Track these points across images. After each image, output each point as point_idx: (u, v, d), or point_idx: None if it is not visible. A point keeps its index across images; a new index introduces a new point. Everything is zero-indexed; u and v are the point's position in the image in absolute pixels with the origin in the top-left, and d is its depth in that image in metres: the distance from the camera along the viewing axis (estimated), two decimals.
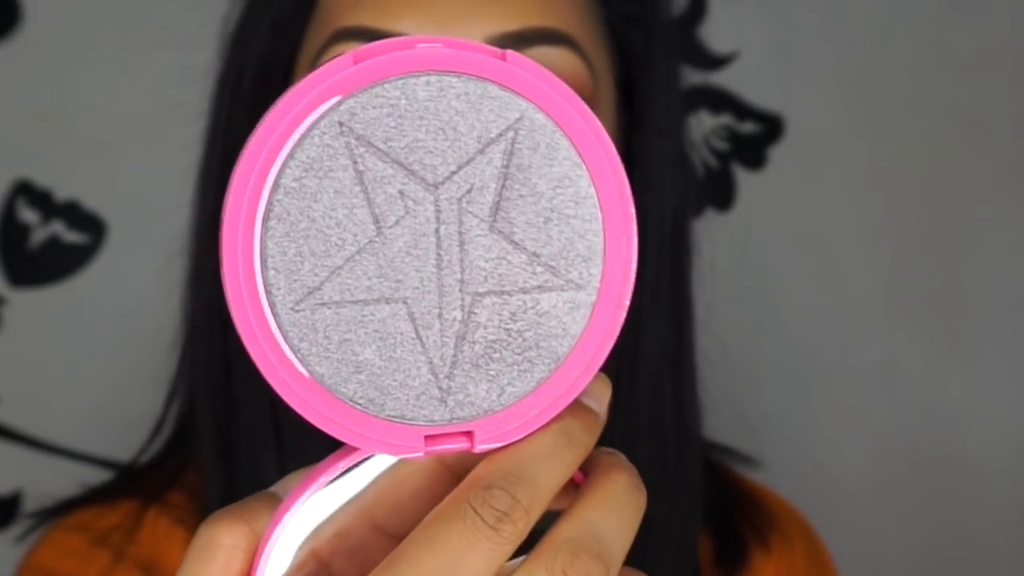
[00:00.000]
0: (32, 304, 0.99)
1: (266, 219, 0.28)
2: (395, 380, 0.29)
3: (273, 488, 0.33)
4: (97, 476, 0.78)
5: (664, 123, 0.61)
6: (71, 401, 0.98)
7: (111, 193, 0.99)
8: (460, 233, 0.29)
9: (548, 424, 0.30)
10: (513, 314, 0.30)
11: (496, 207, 0.29)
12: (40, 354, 0.99)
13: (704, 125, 1.02)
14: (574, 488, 0.31)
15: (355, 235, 0.29)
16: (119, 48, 0.97)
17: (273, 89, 0.59)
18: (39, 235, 0.99)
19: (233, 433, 0.60)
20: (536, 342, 0.30)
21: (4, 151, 0.98)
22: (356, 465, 0.31)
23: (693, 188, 0.67)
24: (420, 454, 0.29)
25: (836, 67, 1.03)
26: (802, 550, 0.70)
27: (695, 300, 0.64)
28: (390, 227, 0.29)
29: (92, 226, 0.99)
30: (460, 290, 0.29)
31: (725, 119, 1.03)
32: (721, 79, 1.03)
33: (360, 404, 0.29)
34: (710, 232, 0.68)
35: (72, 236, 0.99)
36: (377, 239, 0.29)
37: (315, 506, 0.33)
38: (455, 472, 0.33)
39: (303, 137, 0.28)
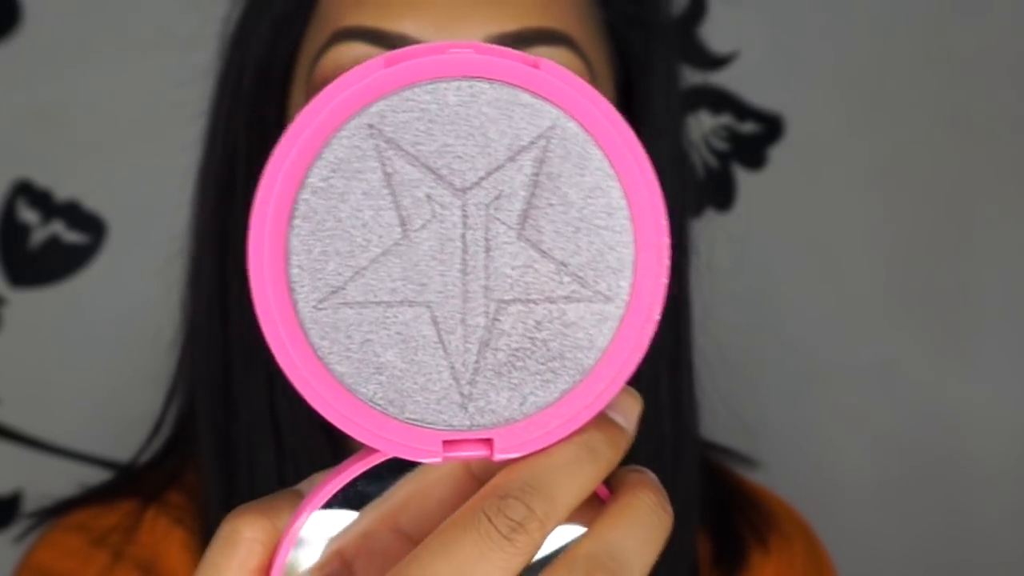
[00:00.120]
0: (32, 304, 0.99)
1: (292, 217, 0.28)
2: (416, 383, 0.29)
3: (298, 486, 0.33)
4: (97, 476, 0.78)
5: (663, 123, 0.61)
6: (71, 401, 0.98)
7: (111, 193, 0.99)
8: (487, 239, 0.29)
9: (571, 436, 0.29)
10: (538, 323, 0.29)
11: (525, 215, 0.29)
12: (40, 354, 0.99)
13: (704, 125, 1.02)
14: (600, 505, 0.30)
15: (381, 237, 0.29)
16: (119, 48, 0.97)
17: (273, 89, 0.59)
18: (39, 235, 0.99)
19: (232, 433, 0.60)
20: (561, 352, 0.29)
21: (4, 151, 0.98)
22: (376, 467, 0.31)
23: (692, 188, 0.67)
24: (438, 459, 0.29)
25: (836, 67, 1.03)
26: (801, 551, 0.69)
27: (693, 300, 0.64)
28: (416, 230, 0.29)
29: (92, 226, 0.99)
30: (485, 296, 0.29)
31: (725, 119, 1.03)
32: (721, 79, 1.03)
33: (380, 405, 0.29)
34: (709, 232, 0.68)
35: (72, 236, 0.99)
36: (403, 242, 0.29)
37: (338, 507, 0.33)
38: (482, 482, 0.33)
39: (332, 137, 0.28)
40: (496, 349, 0.29)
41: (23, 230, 0.98)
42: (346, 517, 0.33)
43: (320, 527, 0.32)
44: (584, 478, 0.29)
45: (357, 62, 0.53)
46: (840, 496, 1.02)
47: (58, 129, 0.98)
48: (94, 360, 0.98)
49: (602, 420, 0.30)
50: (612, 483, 0.31)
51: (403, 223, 0.29)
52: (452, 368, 0.29)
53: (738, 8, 1.01)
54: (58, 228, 0.99)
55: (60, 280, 0.99)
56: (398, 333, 0.29)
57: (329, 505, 0.31)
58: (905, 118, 1.02)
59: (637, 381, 0.30)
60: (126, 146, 0.97)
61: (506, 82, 0.29)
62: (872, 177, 1.03)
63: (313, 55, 0.56)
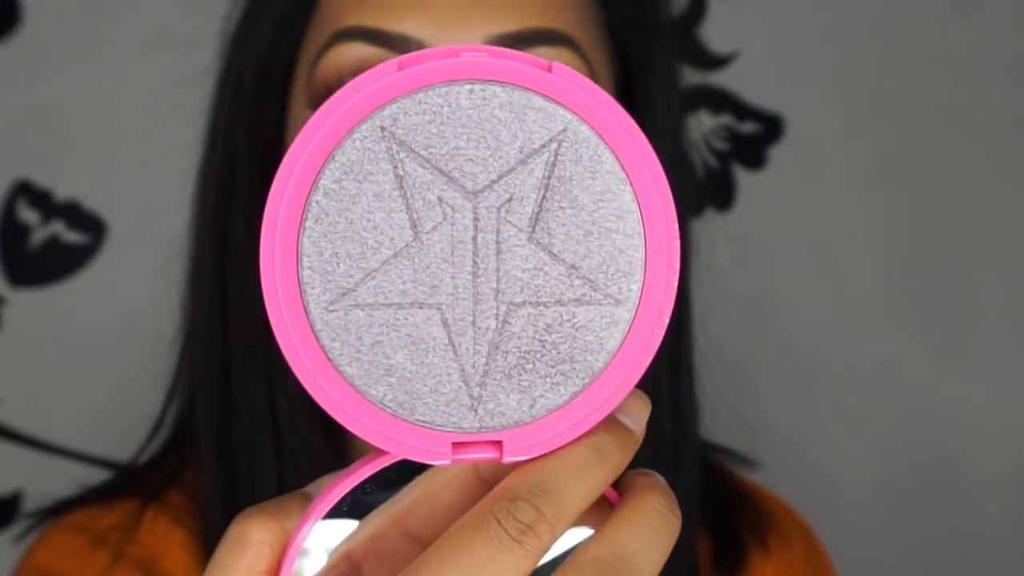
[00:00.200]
0: (32, 304, 0.99)
1: (304, 219, 0.28)
2: (426, 385, 0.29)
3: (306, 488, 0.33)
4: (96, 476, 0.78)
5: (664, 124, 0.61)
6: (71, 401, 0.98)
7: (111, 193, 0.99)
8: (498, 242, 0.29)
9: (580, 439, 0.30)
10: (548, 326, 0.29)
11: (536, 218, 0.29)
12: (40, 354, 0.99)
13: (704, 125, 1.02)
14: (609, 507, 0.30)
15: (392, 239, 0.29)
16: (119, 48, 0.97)
17: (274, 89, 0.59)
18: (39, 235, 0.99)
19: (232, 434, 0.60)
20: (571, 355, 0.30)
21: (4, 151, 0.98)
22: (385, 470, 0.31)
23: (692, 188, 0.67)
24: (447, 461, 0.29)
25: (836, 67, 1.03)
26: (800, 551, 0.70)
27: (694, 300, 0.64)
28: (427, 233, 0.29)
29: (92, 226, 0.99)
30: (495, 299, 0.29)
31: (725, 119, 1.03)
32: (721, 79, 1.03)
33: (389, 407, 0.29)
34: (709, 232, 0.68)
35: (72, 236, 0.99)
36: (414, 244, 0.29)
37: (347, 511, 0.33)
38: (491, 485, 0.33)
39: (344, 140, 0.28)
40: (506, 351, 0.29)
41: (23, 230, 0.98)
42: (355, 520, 0.33)
43: (329, 530, 0.32)
44: (593, 480, 0.29)
45: (358, 62, 0.53)
46: (840, 496, 1.02)
47: (58, 129, 0.98)
48: (94, 360, 0.98)
49: (611, 423, 0.30)
50: (621, 486, 0.31)
51: (414, 225, 0.29)
52: (462, 370, 0.29)
53: (738, 8, 1.01)
54: (58, 228, 0.99)
55: (60, 280, 0.99)
56: (408, 335, 0.29)
57: (338, 507, 0.31)
58: (905, 118, 1.02)
59: (638, 381, 0.30)
60: (126, 146, 0.97)
61: (519, 85, 0.29)
62: (872, 177, 1.03)
63: (314, 55, 0.56)
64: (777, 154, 1.03)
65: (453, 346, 0.29)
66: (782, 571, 0.68)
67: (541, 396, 0.29)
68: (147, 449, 0.67)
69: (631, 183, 0.29)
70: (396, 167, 0.29)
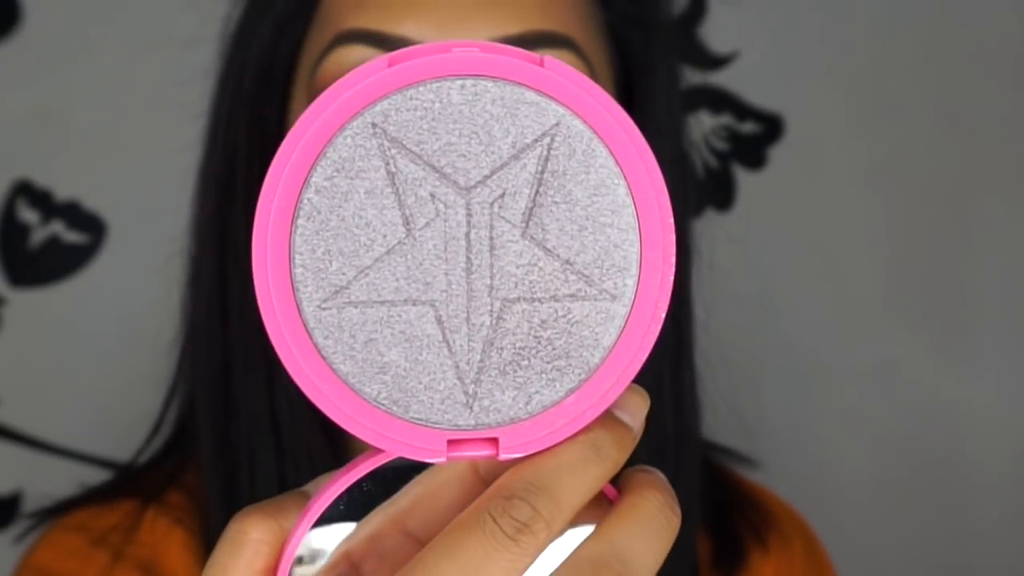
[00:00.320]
0: (32, 304, 0.99)
1: (296, 217, 0.28)
2: (420, 383, 0.29)
3: (304, 487, 0.33)
4: (97, 476, 0.78)
5: (664, 124, 0.61)
6: (71, 401, 0.98)
7: (111, 193, 0.99)
8: (491, 238, 0.29)
9: (576, 435, 0.29)
10: (543, 322, 0.29)
11: (529, 213, 0.29)
12: (40, 354, 0.99)
13: (704, 125, 1.02)
14: (609, 505, 0.30)
15: (384, 236, 0.29)
16: (119, 48, 0.97)
17: (274, 89, 0.59)
18: (39, 235, 0.99)
19: (232, 433, 0.60)
20: (567, 351, 0.29)
21: (4, 151, 0.98)
22: (382, 468, 0.31)
23: (693, 188, 0.67)
24: (443, 459, 0.29)
25: (836, 67, 1.02)
26: (800, 551, 0.70)
27: (694, 300, 0.64)
28: (420, 229, 0.29)
29: (92, 226, 0.99)
30: (489, 295, 0.29)
31: (725, 119, 1.03)
32: (721, 79, 1.03)
33: (384, 405, 0.29)
34: (709, 232, 0.68)
35: (72, 236, 0.99)
36: (406, 241, 0.29)
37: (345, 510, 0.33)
38: (489, 484, 0.32)
39: (336, 137, 0.28)
40: (501, 348, 0.29)
41: (23, 230, 0.98)
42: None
43: (326, 530, 0.32)
44: (590, 478, 0.29)
45: (359, 65, 0.53)
46: (840, 496, 1.02)
47: (58, 129, 0.98)
48: (94, 360, 0.98)
49: (608, 419, 0.30)
50: (620, 483, 0.30)
51: (407, 222, 0.29)
52: (457, 367, 0.29)
53: (738, 8, 1.01)
54: (58, 228, 0.99)
55: (60, 280, 0.99)
56: (402, 332, 0.29)
57: (335, 506, 0.31)
58: (905, 118, 1.02)
59: (639, 381, 0.30)
60: (126, 146, 0.97)
61: (511, 80, 0.29)
62: (872, 177, 1.03)
63: (315, 57, 0.56)
64: (777, 154, 1.03)
65: (447, 343, 0.29)
66: (782, 570, 0.68)
67: (537, 392, 0.29)
68: (147, 449, 0.67)
69: (625, 177, 0.29)
70: (388, 163, 0.29)
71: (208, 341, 0.61)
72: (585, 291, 0.29)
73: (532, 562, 0.28)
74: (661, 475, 0.31)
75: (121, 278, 0.98)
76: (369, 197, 0.29)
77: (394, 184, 0.29)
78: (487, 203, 0.29)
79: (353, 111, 0.28)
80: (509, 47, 0.29)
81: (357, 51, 0.53)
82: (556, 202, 0.29)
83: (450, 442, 0.29)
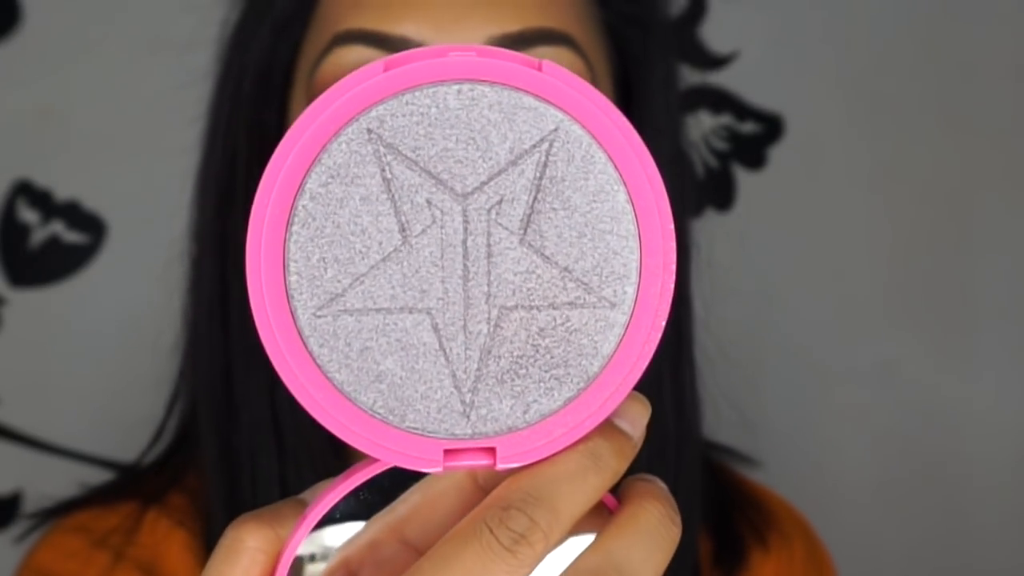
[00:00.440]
0: (32, 304, 0.98)
1: (290, 224, 0.28)
2: (416, 392, 0.29)
3: (301, 495, 0.32)
4: (97, 476, 0.78)
5: (662, 123, 0.61)
6: (71, 401, 0.98)
7: (111, 193, 0.99)
8: (488, 245, 0.29)
9: (575, 445, 0.29)
10: (542, 330, 0.29)
11: (527, 220, 0.29)
12: (40, 354, 0.99)
13: (704, 125, 1.02)
14: (608, 514, 0.30)
15: (380, 243, 0.28)
16: (119, 48, 0.97)
17: (273, 92, 0.59)
18: (39, 235, 0.99)
19: (234, 436, 0.60)
20: (565, 360, 0.29)
21: (4, 151, 0.98)
22: (378, 476, 0.31)
23: (692, 187, 0.67)
24: (439, 468, 0.29)
25: (836, 67, 1.02)
26: (801, 550, 0.70)
27: (694, 299, 0.64)
28: (416, 236, 0.28)
29: (92, 226, 0.99)
30: (487, 303, 0.29)
31: (725, 119, 1.03)
32: (721, 79, 1.03)
33: (380, 414, 0.29)
34: (710, 232, 0.68)
35: (72, 236, 0.99)
36: (402, 248, 0.28)
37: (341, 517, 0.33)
38: (488, 493, 0.32)
39: (331, 143, 0.28)
40: (498, 356, 0.29)
41: (23, 230, 0.98)
42: (350, 527, 0.33)
43: (323, 537, 0.32)
44: (589, 488, 0.29)
45: (358, 65, 0.53)
46: (840, 496, 1.02)
47: (58, 129, 0.98)
48: (94, 360, 0.98)
49: (608, 428, 0.29)
50: (619, 492, 0.30)
51: (403, 229, 0.28)
52: (453, 376, 0.29)
53: (738, 8, 1.01)
54: (58, 228, 0.99)
55: (60, 280, 0.99)
56: (398, 340, 0.29)
57: (332, 514, 0.31)
58: (905, 118, 1.02)
59: (639, 385, 0.30)
60: (126, 146, 0.97)
61: (508, 85, 0.29)
62: (872, 177, 1.03)
63: (313, 58, 0.56)
64: (777, 154, 1.03)
65: (444, 351, 0.29)
66: (782, 570, 0.68)
67: (535, 401, 0.29)
68: (150, 452, 0.67)
69: (625, 183, 0.29)
70: (383, 170, 0.28)
71: (209, 344, 0.61)
72: (584, 299, 0.29)
73: (530, 573, 0.28)
74: (662, 484, 0.30)
75: (121, 278, 0.98)
76: (365, 204, 0.28)
77: (390, 190, 0.28)
78: (484, 210, 0.29)
79: (348, 116, 0.28)
80: (507, 51, 0.29)
81: (355, 51, 0.53)
82: (555, 208, 0.29)
83: (447, 451, 0.29)
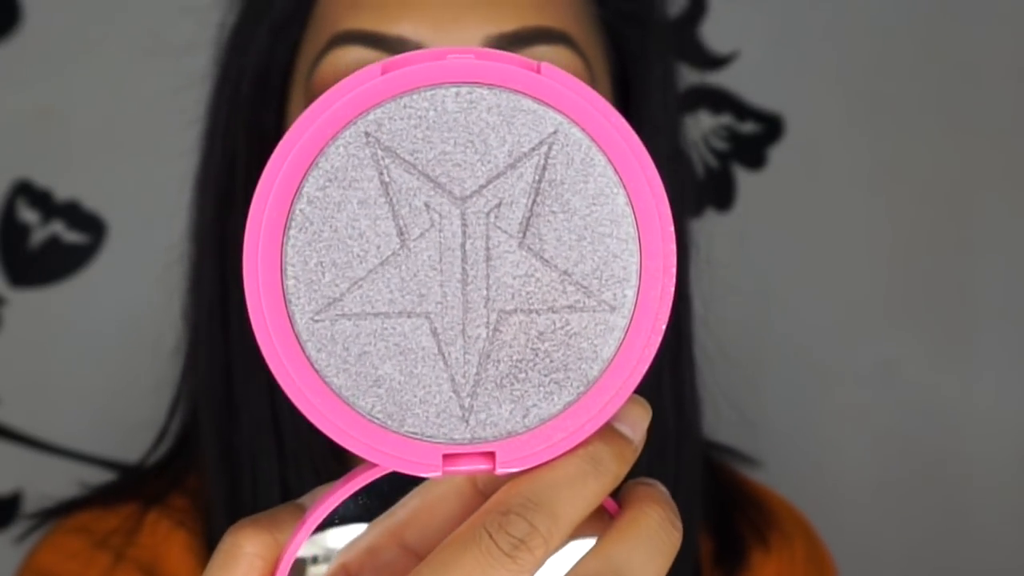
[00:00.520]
0: (32, 304, 0.99)
1: (287, 228, 0.28)
2: (415, 396, 0.29)
3: (300, 500, 0.32)
4: (97, 476, 0.78)
5: (661, 121, 0.61)
6: (71, 401, 0.98)
7: (111, 193, 0.99)
8: (487, 248, 0.28)
9: (575, 449, 0.29)
10: (541, 334, 0.29)
11: (526, 223, 0.29)
12: (40, 354, 0.99)
13: (704, 125, 1.02)
14: (609, 518, 0.30)
15: (378, 247, 0.28)
16: (119, 48, 0.97)
17: (271, 94, 0.59)
18: (39, 235, 0.99)
19: (234, 438, 0.60)
20: (565, 364, 0.29)
21: (4, 151, 0.98)
22: (377, 481, 0.31)
23: (690, 186, 0.67)
24: (438, 473, 0.29)
25: (836, 67, 1.02)
26: (802, 550, 0.69)
27: (694, 298, 0.64)
28: (415, 240, 0.28)
29: (92, 226, 0.99)
30: (486, 307, 0.29)
31: (725, 119, 1.03)
32: (721, 79, 1.03)
33: (378, 419, 0.28)
34: (709, 232, 0.68)
35: (72, 236, 0.99)
36: (401, 252, 0.28)
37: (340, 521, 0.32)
38: (488, 497, 0.32)
39: (328, 146, 0.28)
40: (497, 360, 0.29)
41: (23, 230, 0.98)
42: (348, 532, 0.33)
43: (325, 539, 0.32)
44: (589, 493, 0.28)
45: (356, 66, 0.53)
46: (840, 496, 1.02)
47: (58, 129, 0.98)
48: (94, 360, 0.98)
49: (608, 432, 0.29)
50: (620, 496, 0.30)
51: (401, 233, 0.28)
52: (452, 380, 0.29)
53: (738, 8, 1.01)
54: (58, 228, 0.99)
55: (60, 280, 0.99)
56: (396, 345, 0.28)
57: (331, 519, 0.31)
58: (905, 118, 1.02)
59: (638, 388, 0.30)
60: (126, 146, 0.97)
61: (507, 88, 0.28)
62: (872, 177, 1.03)
63: (311, 60, 0.56)
64: (777, 154, 1.03)
65: (443, 356, 0.29)
66: (783, 570, 0.68)
67: (534, 405, 0.29)
68: (153, 454, 0.67)
69: (625, 186, 0.29)
70: (381, 173, 0.28)
71: (209, 346, 0.61)
72: (584, 302, 0.29)
73: None
74: (663, 488, 0.30)
75: (121, 278, 0.98)
76: (362, 207, 0.28)
77: (388, 194, 0.28)
78: (483, 213, 0.28)
79: (346, 120, 0.28)
80: (505, 53, 0.29)
81: (353, 52, 0.53)
82: (554, 212, 0.29)
83: (446, 456, 0.29)
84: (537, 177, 0.29)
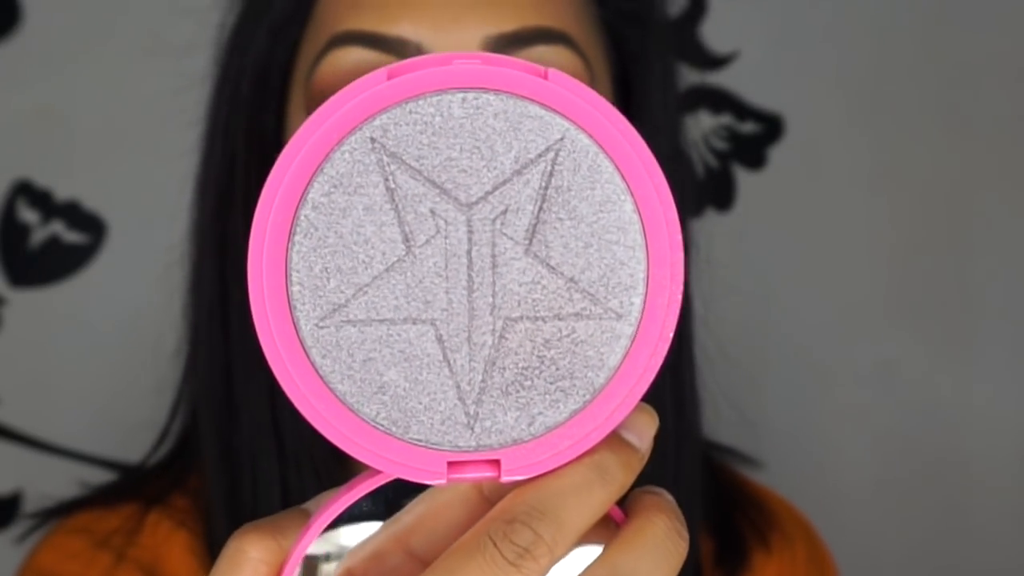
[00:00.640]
0: (32, 304, 0.99)
1: (292, 234, 0.28)
2: (420, 403, 0.28)
3: (304, 505, 0.32)
4: (97, 476, 0.78)
5: (661, 121, 0.61)
6: (71, 401, 0.98)
7: (111, 193, 0.99)
8: (493, 255, 0.28)
9: (581, 457, 0.29)
10: (547, 341, 0.29)
11: (533, 230, 0.28)
12: (40, 354, 0.99)
13: (704, 125, 1.02)
14: (615, 526, 0.30)
15: (384, 253, 0.28)
16: (119, 48, 0.97)
17: (271, 94, 0.59)
18: (39, 235, 0.99)
19: (234, 439, 0.60)
20: (571, 371, 0.29)
21: (4, 151, 0.98)
22: (384, 487, 0.31)
23: (690, 186, 0.67)
24: (443, 481, 0.29)
25: (836, 67, 1.02)
26: (803, 551, 0.69)
27: (694, 298, 0.64)
28: (420, 246, 0.28)
29: (92, 226, 0.99)
30: (491, 314, 0.28)
31: (725, 119, 1.03)
32: (721, 79, 1.03)
33: (383, 425, 0.28)
34: (709, 232, 0.68)
35: (72, 236, 0.99)
36: (406, 258, 0.28)
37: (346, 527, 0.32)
38: (494, 504, 0.31)
39: (333, 152, 0.28)
40: (503, 368, 0.29)
41: (23, 230, 0.98)
42: (365, 527, 0.33)
43: (339, 536, 0.32)
44: (595, 501, 0.28)
45: (355, 66, 0.53)
46: (840, 496, 1.02)
47: (58, 129, 0.98)
48: (94, 360, 0.98)
49: (614, 440, 0.29)
50: (626, 504, 0.30)
51: (407, 239, 0.28)
52: (458, 387, 0.28)
53: (738, 8, 1.01)
54: (58, 228, 0.99)
55: (60, 280, 0.99)
56: (401, 351, 0.28)
57: (335, 525, 0.31)
58: (905, 118, 1.02)
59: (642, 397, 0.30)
60: (126, 146, 0.97)
61: (513, 93, 0.28)
62: (872, 177, 1.03)
63: (311, 60, 0.55)
64: (777, 154, 1.03)
65: (448, 363, 0.28)
66: (784, 571, 0.68)
67: (540, 413, 0.29)
68: (154, 455, 0.67)
69: (632, 193, 0.29)
70: (387, 179, 0.28)
71: (210, 347, 0.61)
72: (590, 310, 0.29)
73: None
74: (669, 497, 0.30)
75: (121, 278, 0.98)
76: (368, 213, 0.28)
77: (393, 200, 0.28)
78: (489, 220, 0.28)
79: (351, 125, 0.28)
80: (512, 59, 0.29)
81: (353, 53, 0.53)
82: (560, 218, 0.28)
83: (451, 464, 0.29)
84: (544, 184, 0.28)
